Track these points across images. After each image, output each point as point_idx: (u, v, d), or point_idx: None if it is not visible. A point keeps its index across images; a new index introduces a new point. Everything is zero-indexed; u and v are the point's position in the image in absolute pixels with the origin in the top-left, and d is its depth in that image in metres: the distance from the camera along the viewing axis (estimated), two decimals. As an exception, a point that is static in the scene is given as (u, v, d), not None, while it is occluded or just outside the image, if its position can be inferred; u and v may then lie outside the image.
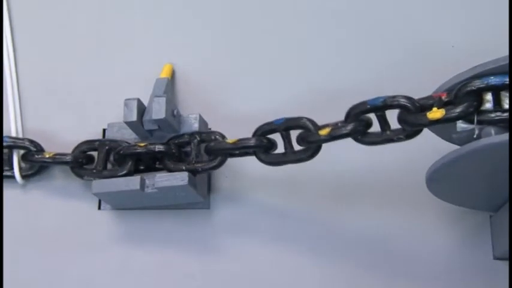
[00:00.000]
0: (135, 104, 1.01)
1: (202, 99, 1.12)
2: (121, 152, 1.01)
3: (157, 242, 1.06)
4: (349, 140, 0.91)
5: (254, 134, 0.96)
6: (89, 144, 1.05)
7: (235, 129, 1.00)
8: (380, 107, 0.88)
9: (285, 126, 0.94)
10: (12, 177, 1.07)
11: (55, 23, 1.18)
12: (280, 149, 0.96)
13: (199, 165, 0.99)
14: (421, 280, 1.02)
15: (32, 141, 1.06)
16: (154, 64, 1.12)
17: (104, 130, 1.10)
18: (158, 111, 1.00)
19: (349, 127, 0.89)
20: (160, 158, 1.01)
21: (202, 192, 1.03)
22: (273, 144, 0.96)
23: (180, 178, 0.98)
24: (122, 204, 1.05)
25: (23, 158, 1.07)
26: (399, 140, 0.88)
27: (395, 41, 1.14)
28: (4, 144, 1.06)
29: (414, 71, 1.10)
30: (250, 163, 1.02)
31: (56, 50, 1.16)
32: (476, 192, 0.95)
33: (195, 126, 1.04)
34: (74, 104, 1.13)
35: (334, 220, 1.05)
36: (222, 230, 1.06)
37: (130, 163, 1.01)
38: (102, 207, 1.08)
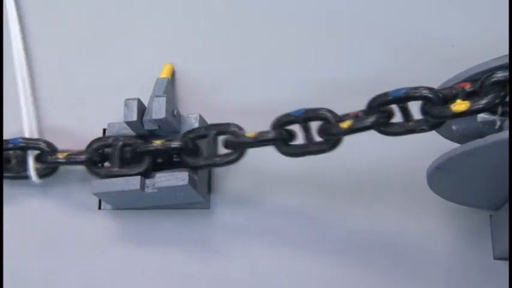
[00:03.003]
0: (135, 104, 1.01)
1: (202, 99, 1.12)
2: (137, 149, 1.00)
3: (157, 242, 1.06)
4: (349, 137, 0.91)
5: (273, 127, 0.95)
6: (102, 141, 1.03)
7: (236, 129, 1.00)
8: (402, 99, 0.86)
9: (304, 117, 0.93)
10: (29, 177, 1.05)
11: (55, 22, 1.18)
12: (300, 140, 0.95)
13: (217, 158, 0.98)
14: (420, 279, 1.02)
15: (45, 142, 1.05)
16: (155, 64, 1.12)
17: (104, 130, 1.10)
18: (158, 111, 1.00)
19: (372, 119, 0.88)
20: (178, 154, 1.00)
21: (202, 192, 1.03)
22: (292, 136, 0.95)
23: (180, 178, 0.98)
24: (122, 204, 1.05)
25: (37, 159, 1.05)
26: (422, 131, 0.87)
27: (395, 40, 1.14)
28: (16, 145, 1.04)
29: (414, 71, 1.10)
30: (250, 163, 1.02)
31: (55, 50, 1.16)
32: (478, 189, 0.95)
33: (195, 127, 1.04)
34: (74, 104, 1.13)
35: (334, 219, 1.05)
36: (222, 230, 1.06)
37: (148, 160, 1.00)
38: (102, 207, 1.08)
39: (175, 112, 1.03)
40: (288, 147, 0.95)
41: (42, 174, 1.07)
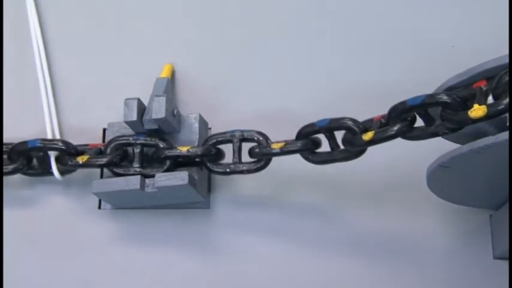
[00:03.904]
0: (135, 104, 1.00)
1: (202, 99, 1.12)
2: (162, 156, 1.00)
3: (157, 242, 1.06)
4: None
5: (297, 137, 0.96)
6: (122, 141, 1.02)
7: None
8: (419, 106, 0.86)
9: (327, 127, 0.93)
10: (51, 174, 1.05)
11: (54, 23, 1.18)
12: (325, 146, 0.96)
13: (245, 167, 0.99)
14: (420, 279, 1.02)
15: (64, 142, 1.03)
16: (155, 64, 1.12)
17: (104, 130, 1.10)
18: (158, 110, 1.00)
19: (395, 128, 0.88)
20: (201, 160, 1.00)
21: (202, 192, 1.03)
22: (317, 144, 0.96)
23: (180, 178, 0.98)
24: (122, 203, 1.05)
25: (57, 160, 1.04)
26: (444, 134, 0.87)
27: (395, 41, 1.14)
28: (34, 146, 1.03)
29: (414, 71, 1.10)
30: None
31: (55, 51, 1.16)
32: (479, 189, 0.95)
33: (195, 126, 1.04)
34: (74, 104, 1.13)
35: (334, 219, 1.05)
36: (222, 230, 1.06)
37: (170, 163, 1.00)
38: (102, 206, 1.08)
39: (175, 112, 1.03)
40: (313, 155, 0.96)
41: (64, 171, 1.06)
